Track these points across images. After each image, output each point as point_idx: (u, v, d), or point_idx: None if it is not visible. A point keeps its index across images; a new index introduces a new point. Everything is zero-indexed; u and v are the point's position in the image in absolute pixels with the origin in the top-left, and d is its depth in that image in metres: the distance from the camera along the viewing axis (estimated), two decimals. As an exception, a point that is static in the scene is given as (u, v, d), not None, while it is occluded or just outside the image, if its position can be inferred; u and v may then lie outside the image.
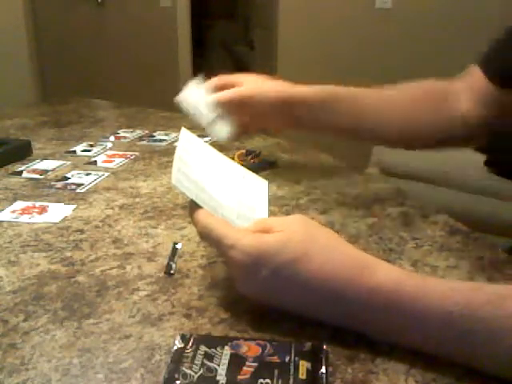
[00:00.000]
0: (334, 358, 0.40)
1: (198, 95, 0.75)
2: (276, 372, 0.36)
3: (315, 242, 0.42)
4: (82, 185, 0.78)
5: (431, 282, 0.41)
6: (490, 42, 0.74)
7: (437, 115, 0.72)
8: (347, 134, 0.77)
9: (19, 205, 0.71)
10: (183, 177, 0.50)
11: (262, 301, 0.44)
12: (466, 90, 0.72)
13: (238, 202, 0.50)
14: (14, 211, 0.69)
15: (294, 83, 0.73)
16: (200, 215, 0.46)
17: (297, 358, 0.38)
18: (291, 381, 0.36)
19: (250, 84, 0.74)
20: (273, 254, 0.41)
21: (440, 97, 0.74)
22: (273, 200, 0.72)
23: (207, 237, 0.46)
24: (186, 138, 0.55)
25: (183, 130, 0.56)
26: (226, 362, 0.37)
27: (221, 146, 0.98)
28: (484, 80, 0.70)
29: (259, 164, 0.85)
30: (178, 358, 0.38)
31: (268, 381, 0.36)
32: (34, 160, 0.90)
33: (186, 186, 0.49)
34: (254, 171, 0.66)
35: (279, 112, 0.72)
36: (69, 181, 0.80)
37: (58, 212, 0.68)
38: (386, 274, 0.41)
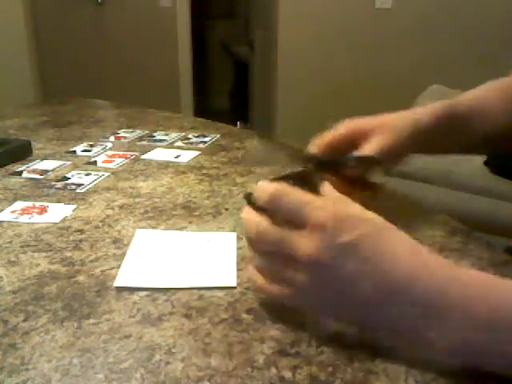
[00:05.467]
0: (334, 357, 0.40)
1: None
2: None
3: (396, 231, 0.42)
4: (82, 185, 0.78)
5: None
6: None
7: None
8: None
9: (19, 205, 0.71)
10: (137, 272, 0.53)
11: (326, 278, 0.40)
12: None
13: (206, 264, 0.54)
14: (13, 211, 0.68)
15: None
16: (271, 183, 0.44)
17: None
18: None
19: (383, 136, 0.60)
20: (359, 224, 0.40)
21: None
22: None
23: (282, 199, 0.42)
24: (140, 238, 0.61)
25: (138, 231, 0.62)
26: None
27: (222, 147, 0.99)
28: None
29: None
30: None
31: None
32: (34, 160, 0.90)
33: (140, 279, 0.52)
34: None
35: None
36: (69, 181, 0.80)
37: (58, 212, 0.68)
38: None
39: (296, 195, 0.42)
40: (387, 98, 3.04)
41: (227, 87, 5.14)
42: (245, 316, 0.45)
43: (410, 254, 0.40)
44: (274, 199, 0.43)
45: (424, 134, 0.61)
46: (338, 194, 0.45)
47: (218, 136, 1.06)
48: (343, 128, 0.60)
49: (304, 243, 0.40)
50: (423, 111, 0.62)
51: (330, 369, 0.39)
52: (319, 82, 3.17)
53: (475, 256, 0.56)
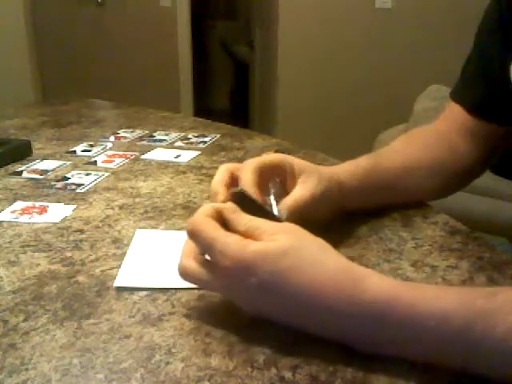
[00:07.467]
0: (334, 358, 0.40)
1: None
2: None
3: (306, 254, 0.42)
4: (82, 185, 0.78)
5: (422, 287, 0.42)
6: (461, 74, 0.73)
7: (453, 155, 0.70)
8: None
9: (19, 205, 0.71)
10: (137, 272, 0.53)
11: (250, 310, 0.44)
12: (456, 129, 0.71)
13: None
14: (13, 211, 0.69)
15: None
16: (198, 213, 0.45)
17: None
18: None
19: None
20: (262, 264, 0.40)
21: (447, 137, 0.71)
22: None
23: (196, 236, 0.44)
24: (140, 238, 0.61)
25: (138, 231, 0.62)
26: None
27: (222, 147, 0.99)
28: (464, 114, 0.69)
29: None
30: None
31: None
32: (34, 160, 0.90)
33: (140, 279, 0.52)
34: None
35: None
36: (69, 181, 0.80)
37: (58, 212, 0.68)
38: (378, 285, 0.40)
39: (206, 233, 0.43)
40: (387, 98, 3.04)
41: (227, 87, 5.14)
42: (245, 316, 0.45)
43: (310, 288, 0.40)
44: (190, 235, 0.44)
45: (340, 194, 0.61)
46: (250, 223, 0.44)
47: (218, 136, 1.06)
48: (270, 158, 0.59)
49: (216, 287, 0.44)
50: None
51: (330, 369, 0.39)
52: (319, 81, 3.17)
53: (475, 256, 0.56)
